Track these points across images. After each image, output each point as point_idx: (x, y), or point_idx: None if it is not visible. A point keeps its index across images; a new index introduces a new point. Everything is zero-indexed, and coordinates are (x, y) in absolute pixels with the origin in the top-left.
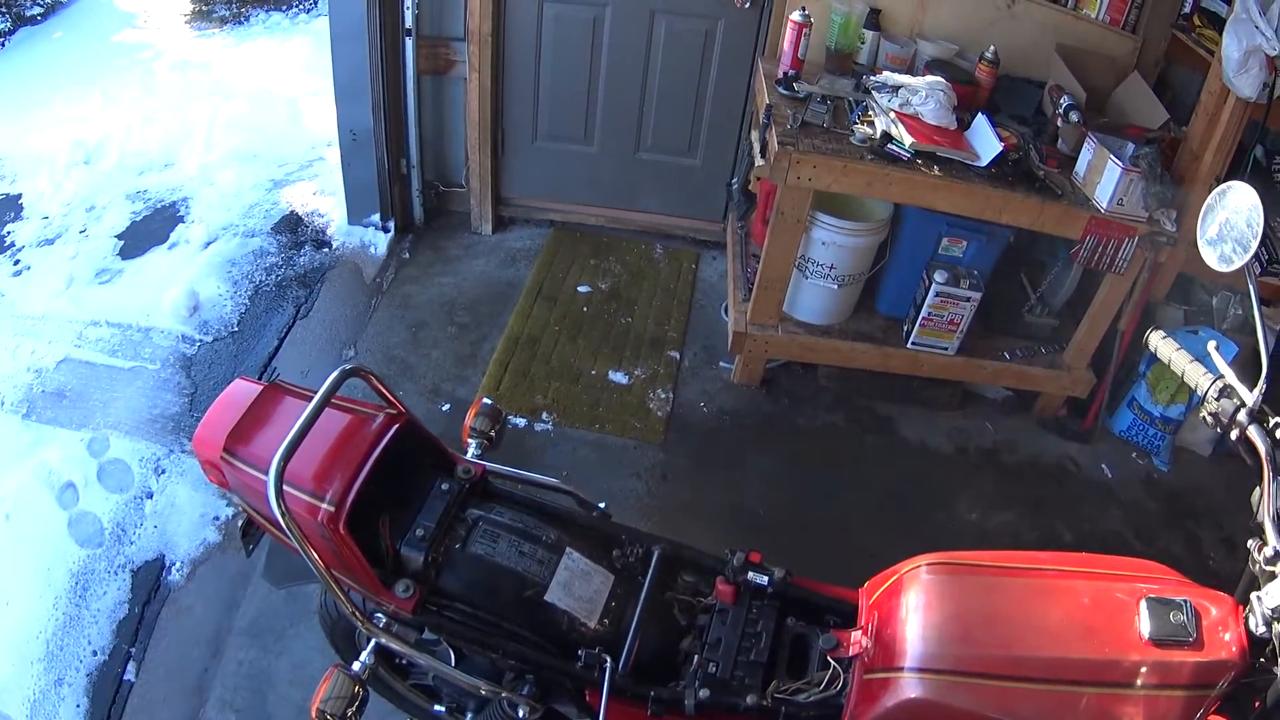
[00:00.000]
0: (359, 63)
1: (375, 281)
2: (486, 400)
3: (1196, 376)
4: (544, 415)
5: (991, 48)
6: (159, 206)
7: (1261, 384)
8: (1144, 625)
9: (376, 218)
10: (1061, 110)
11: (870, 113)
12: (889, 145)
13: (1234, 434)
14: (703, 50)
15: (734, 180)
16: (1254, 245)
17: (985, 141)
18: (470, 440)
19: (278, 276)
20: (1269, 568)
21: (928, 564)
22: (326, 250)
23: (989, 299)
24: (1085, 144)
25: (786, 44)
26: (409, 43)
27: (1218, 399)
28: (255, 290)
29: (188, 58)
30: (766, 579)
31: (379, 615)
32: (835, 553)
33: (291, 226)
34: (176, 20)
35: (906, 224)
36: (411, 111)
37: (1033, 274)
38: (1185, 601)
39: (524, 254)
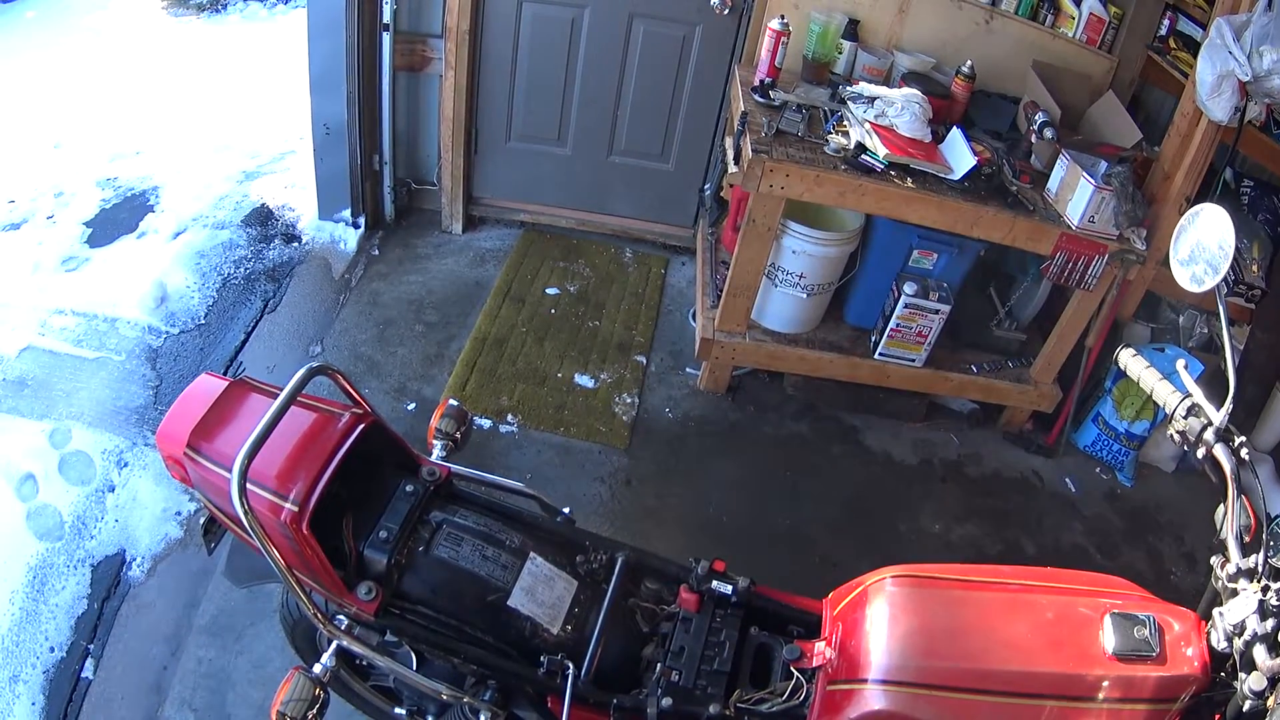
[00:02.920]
0: (335, 56)
1: (344, 278)
2: (453, 402)
3: (1165, 395)
4: (509, 417)
5: (969, 62)
6: (129, 195)
7: (1228, 403)
8: (1107, 640)
9: (347, 213)
10: (1036, 127)
11: (845, 123)
12: (863, 156)
13: (1200, 452)
14: (679, 55)
15: (707, 186)
16: (1224, 267)
17: (959, 155)
18: (435, 442)
19: (246, 270)
20: (1231, 584)
21: (892, 576)
22: (296, 244)
23: (958, 312)
24: (1059, 161)
25: (764, 51)
26: (386, 38)
27: (1185, 417)
28: (223, 283)
29: (163, 43)
30: (730, 588)
31: (341, 617)
32: (798, 562)
33: (262, 219)
34: (153, 4)
35: (877, 235)
36: (386, 107)
37: (1002, 288)
38: (1149, 617)
39: (493, 254)
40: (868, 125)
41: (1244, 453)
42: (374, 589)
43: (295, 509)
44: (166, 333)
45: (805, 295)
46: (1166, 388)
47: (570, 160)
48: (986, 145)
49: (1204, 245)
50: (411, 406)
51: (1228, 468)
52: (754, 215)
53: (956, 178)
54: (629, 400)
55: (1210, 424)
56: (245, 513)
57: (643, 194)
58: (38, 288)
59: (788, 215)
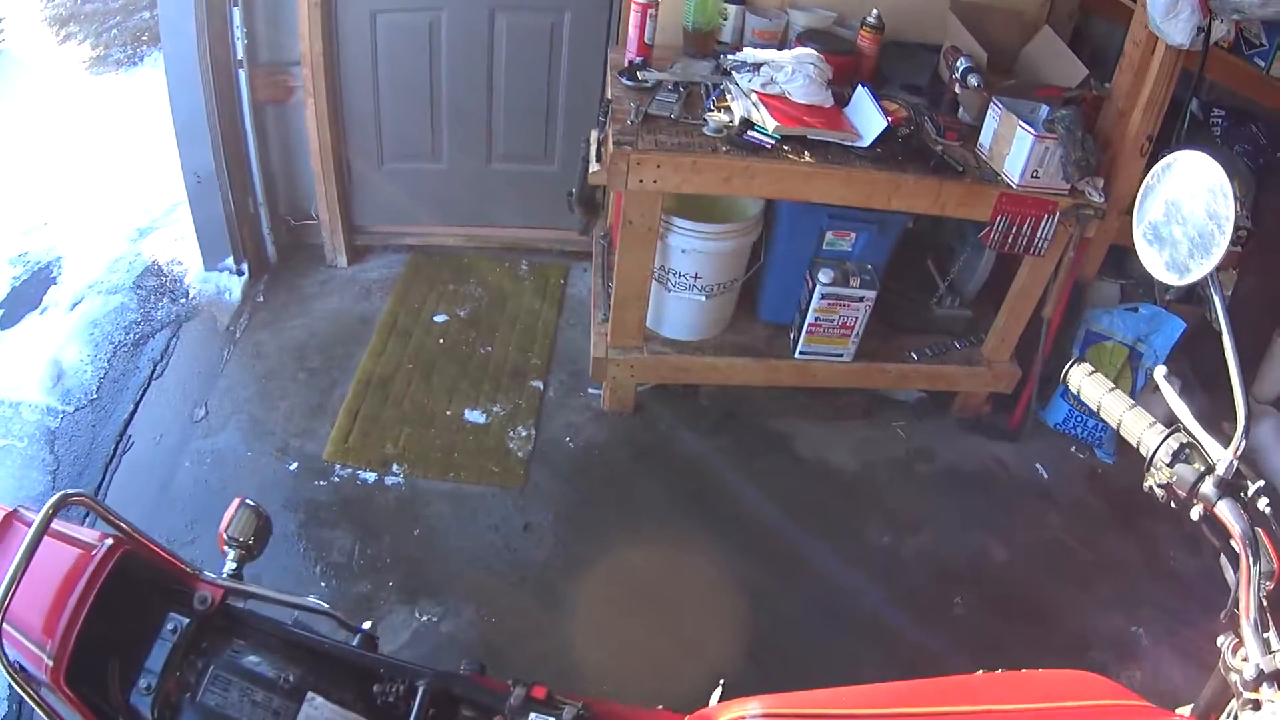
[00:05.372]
0: (195, 102)
1: (229, 330)
2: (249, 501)
3: (1140, 430)
4: (394, 467)
5: (874, 11)
6: (36, 269)
7: (1238, 440)
8: None
9: (230, 261)
10: (959, 74)
11: (727, 97)
12: (749, 133)
13: (1196, 512)
14: (550, 46)
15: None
16: (1222, 244)
17: (867, 118)
18: (227, 550)
19: (135, 334)
20: (1249, 694)
21: (759, 715)
22: (183, 301)
23: (889, 294)
24: (989, 111)
25: (631, 29)
26: (241, 75)
27: (1171, 463)
28: (114, 351)
29: (80, 104)
30: None
31: None
32: (720, 610)
33: (152, 278)
34: (77, 64)
35: (782, 220)
36: (252, 147)
37: (940, 260)
38: None
39: (380, 285)
40: (754, 96)
41: (1263, 505)
42: None
43: (52, 663)
44: (63, 412)
45: (704, 297)
46: (1141, 420)
47: (449, 175)
48: (902, 103)
49: (1186, 215)
50: (293, 466)
51: (1238, 531)
52: (629, 215)
53: (866, 144)
54: (525, 433)
55: (1210, 470)
56: (8, 671)
57: (530, 200)
58: None
59: (673, 210)
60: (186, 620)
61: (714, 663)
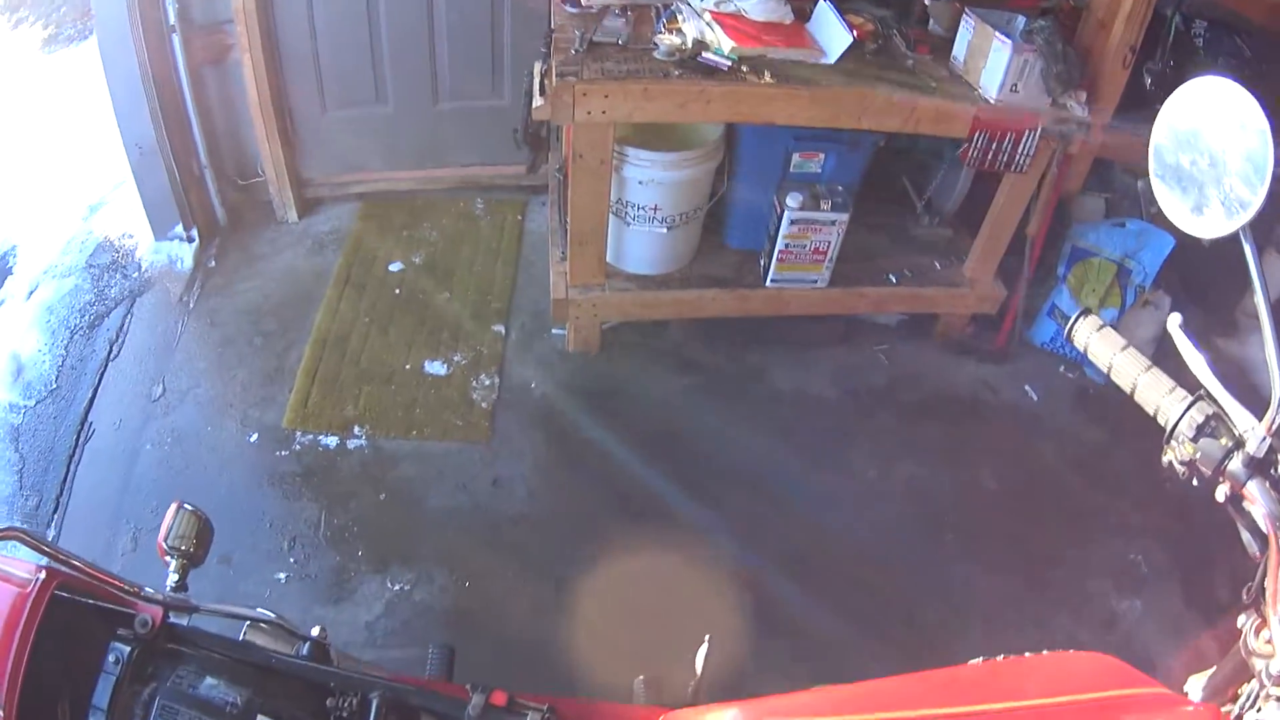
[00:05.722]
0: (130, 72)
1: (182, 300)
2: (186, 506)
3: (1158, 398)
4: (356, 429)
5: None
6: None
7: (1273, 413)
8: None
9: (180, 229)
10: None
11: (678, 18)
12: (704, 55)
13: (1221, 492)
14: None
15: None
16: (1260, 194)
17: (831, 33)
18: (168, 559)
19: (90, 316)
20: (1274, 689)
21: None
22: (135, 275)
23: (863, 215)
24: (963, 22)
25: None
26: (175, 39)
27: (1195, 438)
28: (70, 337)
29: (34, 85)
30: None
31: None
32: (701, 556)
33: (104, 255)
34: (33, 44)
35: (744, 143)
36: (191, 110)
37: (916, 177)
38: None
39: (332, 237)
40: (707, 15)
41: None
42: None
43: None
44: (24, 407)
45: (666, 229)
46: (1160, 384)
47: (395, 118)
48: (868, 16)
49: (1214, 157)
50: (254, 438)
51: (1267, 513)
52: (580, 149)
53: (831, 61)
54: (488, 382)
55: (1239, 445)
56: None
57: (482, 137)
58: None
59: (627, 139)
60: (127, 648)
61: (699, 616)
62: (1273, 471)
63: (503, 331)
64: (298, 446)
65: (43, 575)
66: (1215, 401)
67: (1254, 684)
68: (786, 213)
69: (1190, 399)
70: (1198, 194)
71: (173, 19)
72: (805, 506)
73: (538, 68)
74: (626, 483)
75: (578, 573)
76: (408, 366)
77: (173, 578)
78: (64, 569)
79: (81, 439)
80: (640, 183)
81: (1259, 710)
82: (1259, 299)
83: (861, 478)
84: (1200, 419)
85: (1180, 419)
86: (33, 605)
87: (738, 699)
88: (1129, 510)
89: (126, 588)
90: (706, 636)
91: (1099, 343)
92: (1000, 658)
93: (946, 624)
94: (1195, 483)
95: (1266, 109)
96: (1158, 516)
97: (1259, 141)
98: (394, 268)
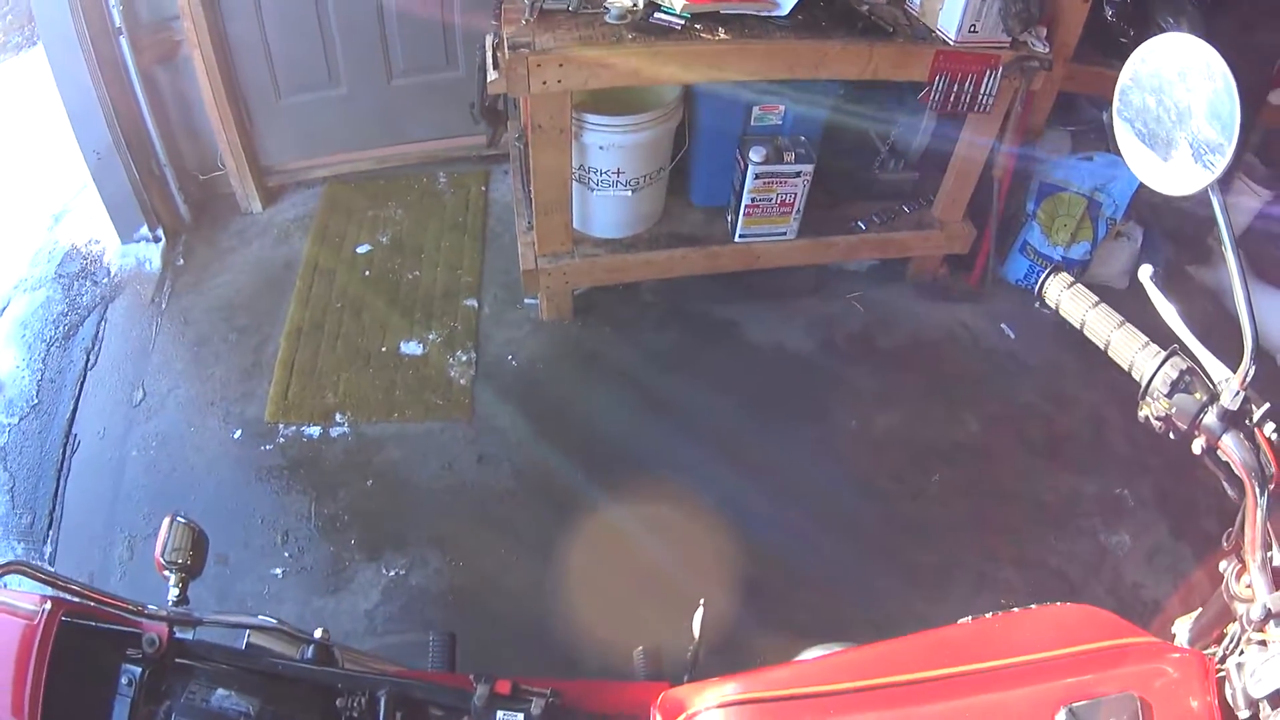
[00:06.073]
0: (81, 79)
1: (154, 302)
2: (180, 519)
3: (1131, 354)
4: (337, 417)
5: None
6: None
7: (1246, 364)
8: None
9: (145, 230)
10: None
11: None
12: (655, 15)
13: (1197, 445)
14: None
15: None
16: (1227, 152)
17: None
18: (166, 574)
19: (65, 326)
20: (1255, 634)
21: (729, 708)
22: (105, 281)
23: (828, 165)
24: None
25: None
26: (123, 42)
27: (1170, 393)
28: (47, 350)
29: None
30: (521, 716)
31: None
32: (690, 519)
33: (72, 263)
34: None
35: (703, 100)
36: (146, 111)
37: (879, 123)
38: (1128, 700)
39: (298, 224)
40: None
41: (1270, 432)
42: None
43: None
44: (8, 425)
45: (630, 192)
46: (1133, 340)
47: (350, 98)
48: None
49: (1180, 114)
50: (237, 434)
51: (1240, 463)
52: (538, 120)
53: (784, 13)
54: (464, 358)
55: (1214, 399)
56: None
57: (440, 111)
58: None
59: (585, 105)
60: (138, 669)
61: (693, 579)
62: (1247, 423)
63: (475, 305)
64: (281, 439)
65: (48, 606)
66: (1189, 355)
67: (1236, 627)
68: (750, 167)
69: (1164, 354)
70: (1165, 152)
71: (118, 21)
72: (790, 458)
73: (489, 40)
74: (610, 448)
75: (569, 544)
76: (384, 349)
77: (173, 592)
78: (67, 597)
79: (68, 452)
80: (601, 148)
81: (1241, 653)
82: (1229, 254)
83: (843, 425)
84: (1174, 374)
85: (1155, 375)
86: (42, 637)
87: (734, 672)
88: (1112, 444)
89: (130, 607)
90: (701, 601)
91: (1070, 300)
92: (989, 615)
93: (936, 566)
94: (1172, 436)
95: (1232, 65)
96: (1141, 450)
97: (1227, 103)
98: (361, 250)
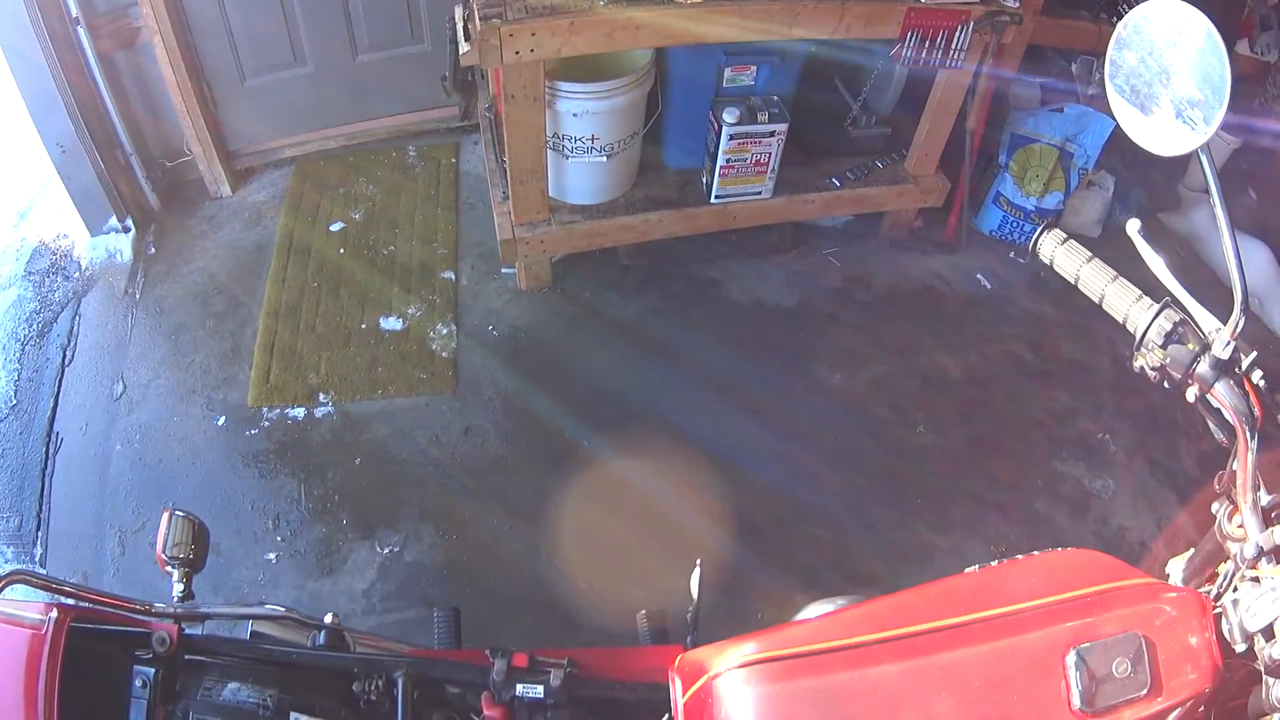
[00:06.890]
0: (39, 72)
1: (128, 293)
2: (178, 513)
3: (1126, 307)
4: (321, 396)
5: None
6: None
7: (1236, 315)
8: (1075, 694)
9: (114, 220)
10: None
11: None
12: None
13: (1191, 393)
14: None
15: (445, 75)
16: (1218, 113)
17: None
18: (170, 570)
19: (39, 324)
20: (1249, 571)
21: (749, 667)
22: (77, 275)
23: (801, 123)
24: None
25: None
26: (81, 32)
27: (1164, 344)
28: (22, 349)
29: None
30: (541, 687)
31: None
32: (682, 478)
33: (41, 259)
34: None
35: (675, 63)
36: (108, 100)
37: (850, 79)
38: (1132, 639)
39: (269, 205)
40: None
41: (1258, 378)
42: None
43: None
44: None
45: (605, 158)
46: (1127, 294)
47: (315, 77)
48: None
49: (1171, 77)
50: (221, 421)
51: (1232, 410)
52: (511, 90)
53: None
54: (445, 331)
55: (1206, 349)
56: None
57: (406, 85)
58: None
59: (557, 73)
60: (151, 670)
61: (689, 537)
62: (1237, 370)
63: (453, 278)
64: (266, 423)
65: (55, 614)
66: (1180, 307)
67: (1229, 565)
68: (725, 128)
69: (1157, 307)
70: (1157, 114)
71: (75, 11)
72: (776, 419)
73: (459, 12)
74: (596, 412)
75: (562, 506)
76: (364, 326)
77: (178, 588)
78: (73, 603)
79: (51, 451)
80: (574, 115)
81: (1235, 590)
82: (1218, 211)
83: (829, 384)
84: (1168, 326)
85: (1149, 327)
86: (51, 648)
87: (746, 630)
88: (1093, 389)
89: (137, 607)
90: (698, 561)
91: (1064, 256)
92: (995, 563)
93: (927, 510)
94: (1166, 385)
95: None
96: (1121, 395)
97: (1217, 65)
98: (335, 228)
